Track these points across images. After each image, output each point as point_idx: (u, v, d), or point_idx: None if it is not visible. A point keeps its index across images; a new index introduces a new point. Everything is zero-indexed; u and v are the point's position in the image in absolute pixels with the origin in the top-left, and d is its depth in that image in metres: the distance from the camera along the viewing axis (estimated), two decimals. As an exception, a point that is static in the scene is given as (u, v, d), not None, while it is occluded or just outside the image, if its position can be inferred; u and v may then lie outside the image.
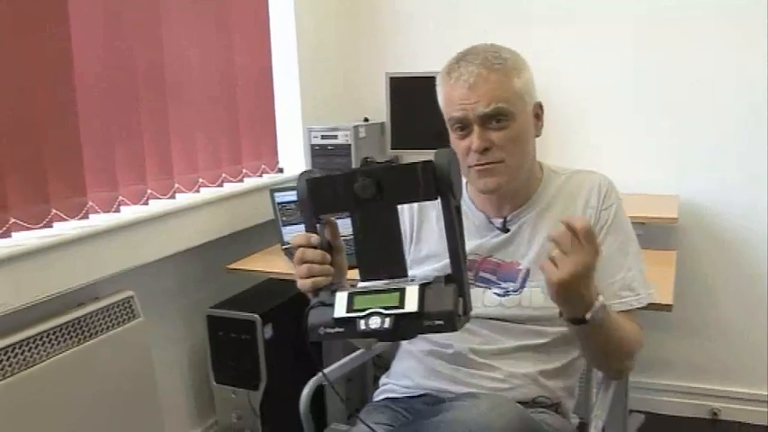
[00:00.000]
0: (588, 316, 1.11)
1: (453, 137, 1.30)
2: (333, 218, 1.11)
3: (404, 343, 1.42)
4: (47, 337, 1.57)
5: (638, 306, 1.29)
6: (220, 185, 2.14)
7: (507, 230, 1.34)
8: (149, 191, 1.86)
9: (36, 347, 1.55)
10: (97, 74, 1.69)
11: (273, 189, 2.18)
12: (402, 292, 0.96)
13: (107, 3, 1.71)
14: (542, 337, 1.30)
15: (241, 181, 2.25)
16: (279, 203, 2.15)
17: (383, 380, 1.44)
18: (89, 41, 1.66)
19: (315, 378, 1.43)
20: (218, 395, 2.11)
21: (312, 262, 1.08)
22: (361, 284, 1.03)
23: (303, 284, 1.08)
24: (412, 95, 2.56)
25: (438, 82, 1.32)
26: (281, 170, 2.48)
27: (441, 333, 0.96)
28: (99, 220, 1.70)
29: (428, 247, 1.38)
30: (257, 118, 2.33)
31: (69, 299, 1.65)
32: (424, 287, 0.96)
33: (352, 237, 1.04)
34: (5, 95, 1.46)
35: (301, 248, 1.09)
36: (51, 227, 1.58)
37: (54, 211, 1.58)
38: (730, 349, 2.52)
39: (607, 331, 1.17)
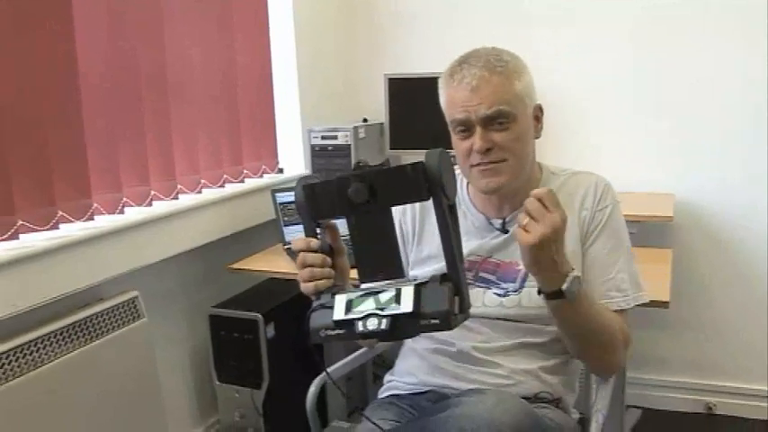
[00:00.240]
0: (564, 287, 1.14)
1: (455, 138, 1.32)
2: (332, 221, 1.14)
3: (407, 341, 1.44)
4: (54, 337, 1.59)
5: (626, 307, 1.31)
6: (222, 186, 2.17)
7: (506, 231, 1.36)
8: (153, 192, 1.88)
9: (43, 348, 1.56)
10: (101, 75, 1.71)
11: (274, 189, 2.20)
12: (398, 292, 0.98)
13: (110, 4, 1.73)
14: (542, 335, 1.33)
15: (242, 182, 2.27)
16: (280, 203, 2.17)
17: (387, 377, 1.47)
18: (93, 43, 1.68)
19: (320, 377, 1.45)
20: (221, 394, 2.13)
21: (313, 266, 1.10)
22: (360, 286, 1.06)
23: (306, 288, 1.11)
24: (410, 96, 2.59)
25: (440, 84, 1.34)
26: (280, 170, 2.50)
27: (438, 332, 0.98)
28: (104, 222, 1.72)
29: (429, 247, 1.40)
30: (257, 119, 2.35)
31: (74, 300, 1.67)
32: (419, 287, 0.98)
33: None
34: (12, 97, 1.47)
35: (302, 253, 1.11)
36: (58, 228, 1.60)
37: (60, 212, 1.60)
38: (725, 345, 2.55)
39: (586, 312, 1.20)
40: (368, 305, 0.99)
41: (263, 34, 2.37)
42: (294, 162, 2.56)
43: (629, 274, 1.32)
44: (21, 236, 1.51)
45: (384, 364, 2.49)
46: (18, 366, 1.49)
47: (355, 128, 2.43)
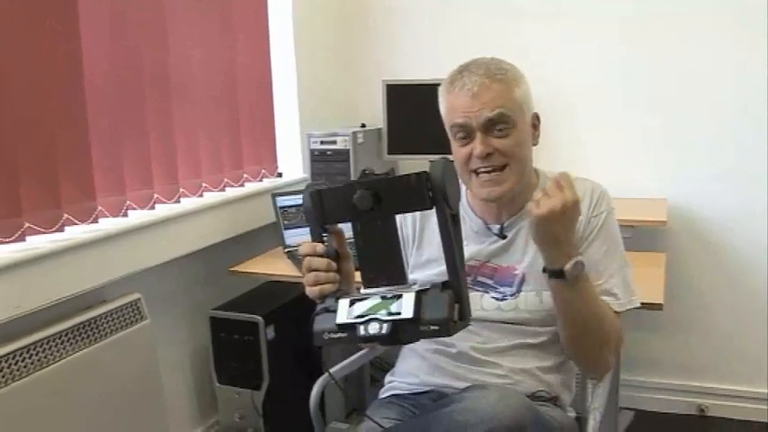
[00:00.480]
0: (567, 267, 1.19)
1: (455, 144, 1.35)
2: (338, 227, 1.17)
3: (408, 342, 1.47)
4: (58, 338, 1.61)
5: (619, 310, 1.34)
6: (222, 190, 2.19)
7: (504, 237, 1.40)
8: (155, 195, 1.90)
9: (49, 349, 1.58)
10: (105, 80, 1.73)
11: (275, 193, 2.23)
12: (399, 298, 1.01)
13: (114, 7, 1.76)
14: (538, 336, 1.36)
15: (242, 185, 2.30)
16: (280, 207, 2.20)
17: (388, 378, 1.50)
18: (97, 51, 1.71)
19: (322, 378, 1.48)
20: (221, 395, 2.15)
21: (318, 270, 1.13)
22: (363, 291, 1.08)
23: (311, 292, 1.15)
24: (408, 102, 2.63)
25: (441, 92, 1.38)
26: (279, 175, 2.53)
27: (437, 337, 1.01)
28: (108, 225, 1.75)
29: (429, 252, 1.43)
30: (257, 124, 2.38)
31: (78, 302, 1.69)
32: (420, 294, 1.01)
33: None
34: (20, 102, 1.50)
35: (308, 257, 1.15)
36: (63, 231, 1.62)
37: (66, 215, 1.62)
38: (718, 348, 2.59)
39: (585, 297, 1.24)
40: (370, 310, 1.02)
41: (262, 39, 2.41)
42: (293, 166, 2.59)
43: (622, 280, 1.36)
44: (27, 238, 1.54)
45: (382, 366, 2.53)
46: (24, 366, 1.52)
47: (354, 133, 2.46)
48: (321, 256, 1.14)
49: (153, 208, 1.90)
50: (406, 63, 2.80)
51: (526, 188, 1.39)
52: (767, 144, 2.42)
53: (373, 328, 1.00)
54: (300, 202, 2.23)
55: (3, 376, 1.46)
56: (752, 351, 2.55)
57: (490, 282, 1.38)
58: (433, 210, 1.04)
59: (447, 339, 1.36)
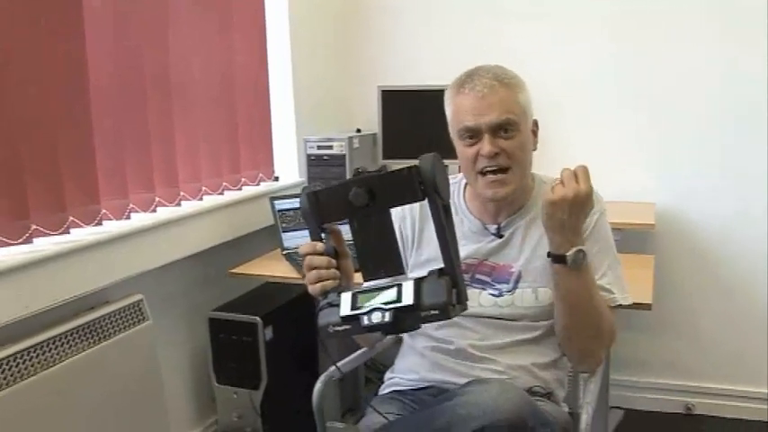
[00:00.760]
0: (569, 254, 1.26)
1: (461, 145, 1.40)
2: (336, 226, 1.21)
3: (407, 340, 1.52)
4: (63, 339, 1.63)
5: (612, 305, 1.40)
6: (221, 193, 2.23)
7: (501, 236, 1.45)
8: (157, 199, 1.94)
9: (53, 349, 1.61)
10: (109, 87, 1.77)
11: (273, 197, 2.27)
12: (399, 287, 1.06)
13: (117, 13, 1.79)
14: (534, 331, 1.42)
15: (240, 189, 2.34)
16: (278, 210, 2.24)
17: (388, 375, 1.54)
18: (101, 54, 1.74)
19: (327, 372, 1.51)
20: (220, 395, 2.18)
21: (319, 268, 1.18)
22: (363, 285, 1.13)
23: (313, 289, 1.19)
24: (402, 107, 2.68)
25: (448, 95, 1.43)
26: (276, 179, 2.57)
27: (438, 322, 1.06)
28: (111, 227, 1.78)
29: (429, 251, 1.48)
30: (255, 129, 2.42)
31: (82, 303, 1.72)
32: (419, 281, 1.06)
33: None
34: (27, 109, 1.54)
35: (309, 256, 1.19)
36: (68, 233, 1.66)
37: (71, 218, 1.66)
38: (704, 348, 2.65)
39: (584, 285, 1.30)
40: (372, 300, 1.06)
41: (260, 47, 2.45)
42: (289, 170, 2.63)
43: (615, 277, 1.42)
44: (34, 240, 1.57)
45: (376, 367, 2.57)
46: (32, 365, 1.54)
47: (350, 138, 2.51)
48: (321, 254, 1.18)
49: (155, 211, 1.94)
50: (399, 68, 2.85)
51: (523, 190, 1.44)
52: (755, 148, 2.47)
53: (376, 317, 1.05)
54: (298, 205, 2.28)
55: (12, 375, 1.49)
56: (737, 351, 2.61)
57: (488, 279, 1.43)
58: (428, 205, 1.09)
59: (445, 337, 1.42)
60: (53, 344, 1.61)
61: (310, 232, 1.21)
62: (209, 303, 2.20)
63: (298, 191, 2.49)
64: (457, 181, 1.53)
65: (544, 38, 2.66)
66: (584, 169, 1.27)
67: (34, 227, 1.56)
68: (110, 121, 1.77)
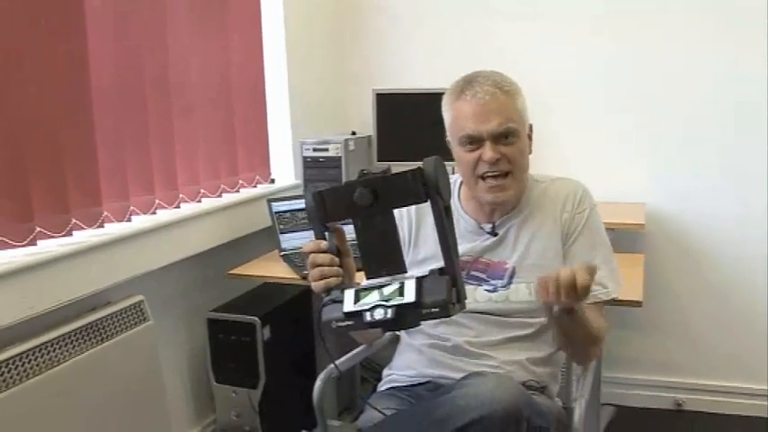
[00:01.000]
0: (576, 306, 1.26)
1: (461, 151, 1.44)
2: (339, 225, 1.25)
3: (405, 338, 1.56)
4: (66, 339, 1.65)
5: (606, 299, 1.46)
6: (219, 196, 2.26)
7: (496, 234, 1.50)
8: (157, 201, 1.97)
9: (56, 350, 1.63)
10: (111, 93, 1.80)
11: (270, 199, 2.30)
12: (401, 285, 1.10)
13: (117, 13, 1.82)
14: (528, 327, 1.46)
15: (237, 191, 2.37)
16: (276, 212, 2.28)
17: (386, 372, 1.58)
18: (104, 64, 1.77)
19: (326, 370, 1.54)
20: (219, 394, 2.21)
21: (323, 265, 1.21)
22: (366, 282, 1.17)
23: (317, 286, 1.22)
24: (397, 110, 2.72)
25: (447, 101, 1.46)
26: (272, 181, 2.60)
27: (438, 319, 1.09)
28: (113, 229, 1.81)
29: (425, 250, 1.52)
30: (251, 132, 2.45)
31: (84, 304, 1.74)
32: (420, 280, 1.10)
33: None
34: (32, 114, 1.56)
35: (312, 254, 1.22)
36: (71, 235, 1.68)
37: (74, 220, 1.68)
38: (693, 345, 2.69)
39: (581, 321, 1.32)
40: (374, 297, 1.10)
41: (256, 52, 2.48)
42: (285, 173, 2.67)
43: (608, 270, 1.47)
44: (38, 242, 1.60)
45: (372, 367, 2.61)
46: (36, 365, 1.57)
47: (346, 140, 2.54)
48: (324, 252, 1.22)
49: (154, 213, 1.97)
50: (394, 71, 2.89)
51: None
52: (750, 148, 2.51)
53: (379, 314, 1.08)
54: (295, 207, 2.33)
55: (18, 373, 1.52)
56: (725, 347, 2.66)
57: (483, 275, 1.47)
58: (428, 212, 1.13)
59: (441, 334, 1.46)
60: (56, 344, 1.63)
61: (314, 231, 1.24)
62: (207, 304, 2.23)
63: (294, 193, 2.54)
64: (452, 181, 1.56)
65: (536, 38, 2.69)
66: (585, 283, 1.19)
67: (38, 229, 1.59)
68: (111, 123, 1.80)
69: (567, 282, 1.18)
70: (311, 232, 1.24)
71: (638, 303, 1.75)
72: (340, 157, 2.50)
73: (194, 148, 2.14)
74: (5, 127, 1.50)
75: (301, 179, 2.61)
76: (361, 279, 1.22)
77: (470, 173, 1.44)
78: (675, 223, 2.65)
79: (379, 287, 1.12)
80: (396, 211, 1.52)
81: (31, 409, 1.54)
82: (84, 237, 1.72)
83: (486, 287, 1.46)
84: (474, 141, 1.41)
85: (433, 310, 1.07)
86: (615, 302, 1.51)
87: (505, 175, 1.41)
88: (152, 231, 1.92)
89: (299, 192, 2.57)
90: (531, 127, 1.48)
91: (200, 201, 2.16)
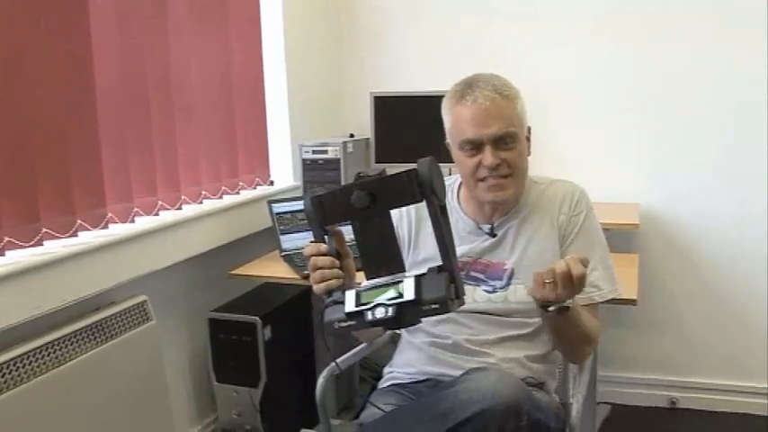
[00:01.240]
0: (569, 303, 1.29)
1: (461, 155, 1.46)
2: (338, 228, 1.28)
3: (406, 336, 1.59)
4: (70, 339, 1.67)
5: (600, 300, 1.49)
6: (220, 197, 2.29)
7: (494, 235, 1.53)
8: (160, 202, 2.00)
9: (61, 349, 1.65)
10: (115, 96, 1.83)
11: (270, 200, 2.33)
12: (401, 284, 1.12)
13: (119, 13, 1.85)
14: (526, 327, 1.49)
15: (238, 193, 2.40)
16: (276, 213, 2.31)
17: (387, 369, 1.61)
18: (108, 67, 1.80)
19: (329, 368, 1.56)
20: (220, 393, 2.24)
21: (323, 268, 1.24)
22: (366, 283, 1.20)
23: (318, 288, 1.25)
24: (394, 113, 2.76)
25: (447, 105, 1.48)
26: (272, 183, 2.63)
27: (438, 315, 1.12)
28: (117, 230, 1.84)
29: (426, 251, 1.55)
30: (251, 135, 2.48)
31: (88, 304, 1.77)
32: (419, 278, 1.13)
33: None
34: (39, 115, 1.59)
35: (313, 257, 1.25)
36: (77, 236, 1.71)
37: (79, 221, 1.71)
38: (687, 343, 2.73)
39: (574, 320, 1.36)
40: (375, 297, 1.13)
41: (256, 56, 2.51)
42: (284, 175, 2.69)
43: (605, 272, 1.50)
44: (45, 242, 1.62)
45: (370, 366, 2.64)
46: (43, 364, 1.59)
47: (344, 143, 2.57)
48: (325, 255, 1.25)
49: (157, 214, 2.00)
50: (391, 74, 2.92)
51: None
52: (747, 148, 2.55)
53: (380, 313, 1.11)
54: (295, 208, 2.36)
55: (25, 372, 1.54)
56: (718, 345, 2.70)
57: (482, 276, 1.50)
58: (426, 213, 1.16)
59: (441, 332, 1.49)
60: (61, 343, 1.65)
61: (314, 234, 1.27)
62: (208, 304, 2.25)
63: (293, 194, 2.57)
64: (451, 182, 1.59)
65: (534, 38, 2.72)
66: (580, 273, 1.23)
67: (45, 230, 1.61)
68: (114, 125, 1.82)
69: (563, 273, 1.21)
70: (311, 233, 1.27)
71: (632, 302, 1.78)
72: (339, 159, 2.53)
73: (196, 149, 2.17)
74: (12, 128, 1.53)
75: (300, 181, 2.64)
76: (362, 280, 1.25)
77: (470, 176, 1.47)
78: (670, 223, 2.68)
79: (379, 287, 1.14)
80: (396, 213, 1.56)
81: (37, 407, 1.56)
82: (88, 238, 1.75)
83: (485, 288, 1.50)
84: (474, 146, 1.43)
85: (433, 306, 1.10)
86: (610, 301, 1.54)
87: (506, 177, 1.44)
88: (155, 232, 1.95)
89: (298, 193, 2.60)
90: (529, 129, 1.51)
91: (201, 202, 2.19)
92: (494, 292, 1.49)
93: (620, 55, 2.64)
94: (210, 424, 2.37)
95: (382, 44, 2.94)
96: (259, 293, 2.38)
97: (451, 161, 1.53)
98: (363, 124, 2.86)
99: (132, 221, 1.90)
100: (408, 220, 1.59)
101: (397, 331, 1.67)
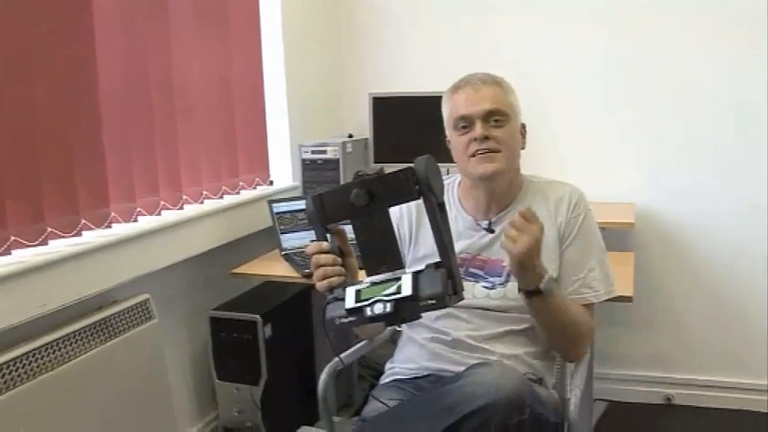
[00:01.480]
0: (542, 286, 1.37)
1: (456, 135, 1.52)
2: (340, 226, 1.31)
3: (407, 332, 1.62)
4: (74, 337, 1.69)
5: (595, 301, 1.53)
6: (221, 197, 2.31)
7: (492, 231, 1.56)
8: (162, 202, 2.02)
9: (65, 347, 1.66)
10: (117, 99, 1.85)
11: (271, 200, 2.35)
12: (399, 280, 1.15)
13: (124, 21, 1.87)
14: (525, 322, 1.52)
15: (238, 193, 2.42)
16: (276, 213, 2.33)
17: (388, 365, 1.64)
18: (111, 68, 1.82)
19: (331, 363, 1.59)
20: (221, 391, 2.26)
21: (325, 266, 1.27)
22: (366, 279, 1.22)
23: (320, 286, 1.28)
24: (392, 113, 2.78)
25: (445, 98, 1.56)
26: (271, 183, 2.66)
27: (436, 310, 1.15)
28: (120, 229, 1.86)
29: (425, 248, 1.57)
30: (251, 135, 2.51)
31: (91, 302, 1.79)
32: (417, 274, 1.16)
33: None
34: (44, 117, 1.61)
35: (315, 255, 1.28)
36: (81, 235, 1.73)
37: (83, 221, 1.73)
38: (682, 341, 2.76)
39: (558, 307, 1.41)
40: (374, 293, 1.16)
41: (256, 57, 2.54)
42: (283, 175, 2.72)
43: (601, 273, 1.53)
44: (50, 242, 1.65)
45: (369, 365, 2.66)
46: (48, 362, 1.61)
47: (343, 143, 2.60)
48: (327, 253, 1.28)
49: (159, 214, 2.02)
50: (389, 75, 2.94)
51: (512, 186, 1.56)
52: (745, 148, 2.57)
53: (378, 309, 1.14)
54: (295, 207, 2.38)
55: (31, 370, 1.56)
56: (712, 342, 2.72)
57: (480, 272, 1.53)
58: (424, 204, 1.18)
59: (442, 328, 1.52)
60: (66, 342, 1.67)
61: (316, 233, 1.30)
62: (209, 303, 2.27)
63: (292, 194, 2.59)
64: (450, 181, 1.63)
65: (534, 38, 2.74)
66: (529, 210, 1.36)
67: (50, 229, 1.64)
68: (117, 125, 1.85)
69: (514, 221, 1.33)
70: (311, 232, 1.30)
71: (628, 299, 1.81)
72: (338, 159, 2.55)
73: (196, 150, 2.19)
74: (18, 130, 1.55)
75: (299, 181, 2.67)
76: (364, 278, 1.27)
77: (463, 154, 1.51)
78: (668, 222, 2.70)
79: (379, 283, 1.17)
80: (396, 211, 1.59)
81: (42, 405, 1.58)
82: (92, 237, 1.77)
83: (484, 284, 1.53)
84: (466, 123, 1.49)
85: (430, 302, 1.13)
86: (609, 298, 1.57)
87: (494, 151, 1.48)
88: (157, 232, 1.97)
89: (297, 193, 2.63)
90: (523, 125, 1.56)
91: (202, 202, 2.21)
92: (492, 288, 1.52)
93: (619, 54, 2.66)
94: (212, 421, 2.39)
95: (381, 44, 2.96)
96: (259, 292, 2.40)
97: (450, 161, 1.56)
98: (362, 124, 2.88)
99: (135, 221, 1.92)
100: (409, 217, 1.62)
101: (398, 328, 1.70)
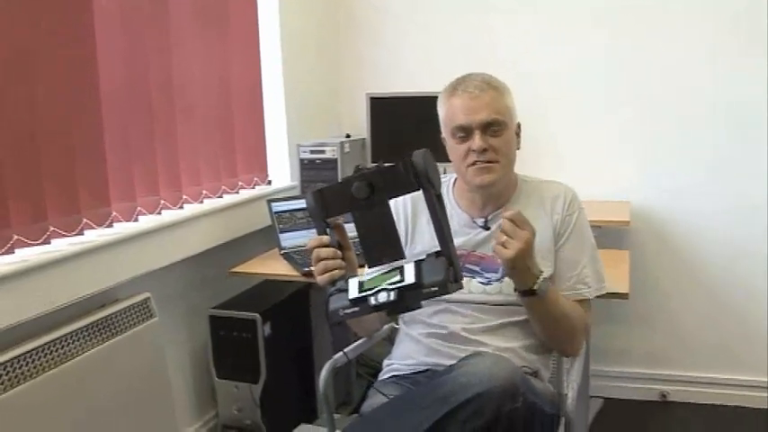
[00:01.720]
0: (536, 286, 1.39)
1: (453, 142, 1.54)
2: (340, 221, 1.33)
3: (404, 328, 1.64)
4: (77, 335, 1.71)
5: (589, 296, 1.56)
6: (220, 197, 2.33)
7: (488, 228, 1.58)
8: (162, 202, 2.04)
9: (67, 346, 1.68)
10: (118, 99, 1.87)
11: (270, 200, 2.37)
12: (401, 269, 1.18)
13: (125, 22, 1.89)
14: (521, 314, 1.54)
15: (237, 193, 2.44)
16: (275, 212, 2.35)
17: (386, 362, 1.66)
18: (112, 69, 1.84)
19: (333, 359, 1.61)
20: (221, 389, 2.28)
21: (326, 259, 1.29)
22: (368, 270, 1.25)
23: (322, 279, 1.31)
24: (390, 113, 2.81)
25: (441, 98, 1.57)
26: (269, 182, 2.68)
27: (438, 297, 1.18)
28: (121, 228, 1.88)
29: (421, 245, 1.60)
30: (250, 135, 2.53)
31: (93, 301, 1.80)
32: (419, 263, 1.19)
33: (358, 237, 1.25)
34: (47, 117, 1.63)
35: (316, 249, 1.31)
36: (82, 234, 1.75)
37: (85, 220, 1.75)
38: (677, 338, 2.79)
39: (553, 306, 1.44)
40: (377, 283, 1.19)
41: (254, 58, 2.56)
42: (281, 174, 2.73)
43: (594, 270, 1.57)
44: (52, 241, 1.67)
45: (367, 363, 2.69)
46: (51, 360, 1.63)
47: (341, 143, 2.62)
48: (327, 246, 1.30)
49: (160, 213, 2.04)
50: (386, 76, 2.97)
51: (507, 186, 1.58)
52: (738, 148, 2.60)
53: (382, 297, 1.17)
54: (294, 207, 2.40)
55: (34, 368, 1.58)
56: (707, 339, 2.75)
57: (477, 268, 1.56)
58: (423, 208, 1.21)
59: (438, 322, 1.55)
60: (67, 340, 1.68)
61: (317, 228, 1.32)
62: (209, 301, 2.29)
63: (291, 194, 2.61)
64: (446, 180, 1.65)
65: (533, 38, 2.76)
66: (518, 213, 1.36)
67: (52, 228, 1.66)
68: (118, 126, 1.87)
69: (508, 225, 1.34)
70: (310, 231, 1.33)
71: (624, 295, 1.83)
72: (336, 159, 2.58)
73: (196, 150, 2.21)
74: (20, 131, 1.57)
75: (297, 180, 2.69)
76: (365, 271, 1.29)
77: (461, 162, 1.53)
78: (664, 221, 2.72)
79: (381, 274, 1.20)
80: (393, 209, 1.61)
81: (44, 403, 1.59)
82: (94, 236, 1.79)
83: (481, 279, 1.55)
84: (465, 132, 1.51)
85: (432, 289, 1.16)
86: (603, 296, 1.60)
87: (492, 162, 1.50)
88: (157, 231, 1.99)
89: (295, 192, 2.65)
90: (519, 125, 1.58)
91: (201, 201, 2.23)
92: (489, 283, 1.54)
93: (619, 54, 2.69)
94: (211, 419, 2.41)
95: (380, 43, 2.98)
96: (258, 291, 2.42)
97: (446, 159, 1.59)
98: (360, 124, 2.91)
99: (136, 220, 1.94)
100: (405, 215, 1.64)
101: (395, 325, 1.72)
